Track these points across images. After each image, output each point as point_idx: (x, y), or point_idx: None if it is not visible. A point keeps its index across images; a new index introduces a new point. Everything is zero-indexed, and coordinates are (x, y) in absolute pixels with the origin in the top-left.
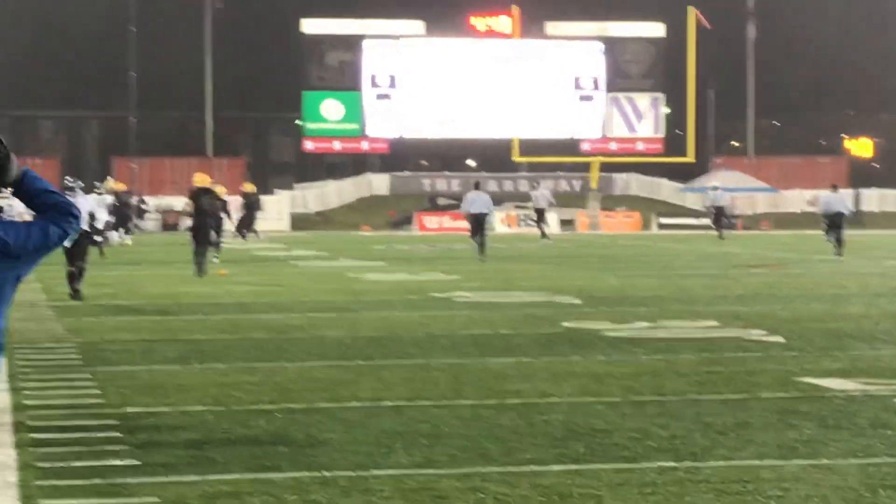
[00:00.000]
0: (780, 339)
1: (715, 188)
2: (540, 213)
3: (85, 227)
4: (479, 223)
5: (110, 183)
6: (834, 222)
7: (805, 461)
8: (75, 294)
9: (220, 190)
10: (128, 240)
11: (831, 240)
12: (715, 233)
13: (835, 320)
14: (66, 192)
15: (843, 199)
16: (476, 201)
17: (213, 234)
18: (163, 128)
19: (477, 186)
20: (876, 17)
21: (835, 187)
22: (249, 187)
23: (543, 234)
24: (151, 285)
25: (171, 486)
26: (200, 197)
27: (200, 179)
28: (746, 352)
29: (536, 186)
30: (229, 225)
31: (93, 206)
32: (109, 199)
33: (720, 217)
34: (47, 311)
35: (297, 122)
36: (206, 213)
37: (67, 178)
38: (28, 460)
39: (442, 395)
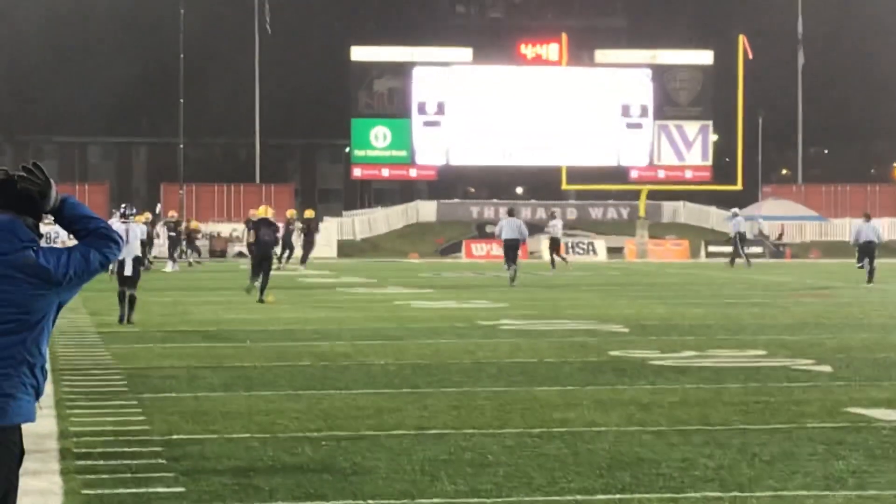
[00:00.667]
0: (827, 368)
1: (735, 214)
2: (555, 243)
3: (137, 253)
4: (511, 250)
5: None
6: (866, 251)
7: (852, 492)
8: (125, 319)
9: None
10: (175, 267)
11: (864, 268)
12: (741, 261)
13: (883, 350)
14: (123, 219)
15: (875, 228)
16: (507, 227)
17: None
18: (211, 154)
19: (511, 213)
20: None
21: (867, 216)
22: (309, 213)
23: (554, 264)
24: (198, 312)
25: None
26: (261, 228)
27: (263, 210)
28: (793, 381)
29: (555, 216)
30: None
31: (144, 232)
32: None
33: (740, 244)
34: (94, 337)
35: (345, 149)
36: (265, 244)
37: (124, 205)
38: (73, 487)
39: (487, 423)
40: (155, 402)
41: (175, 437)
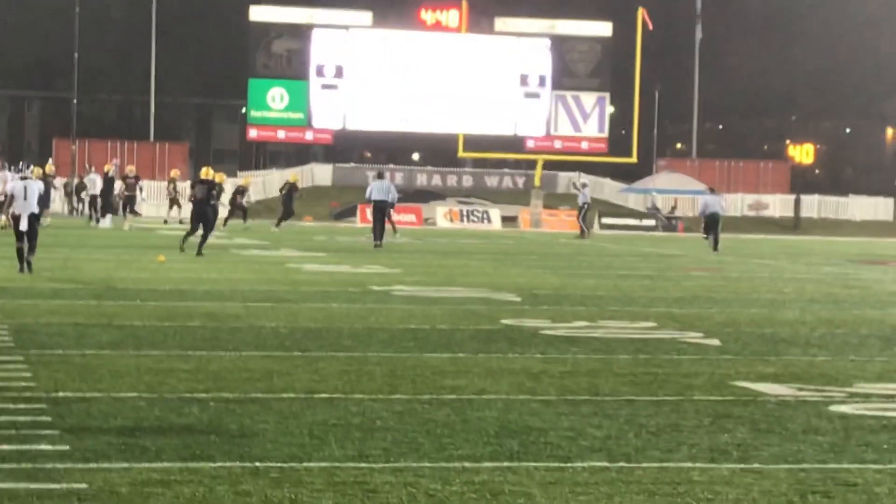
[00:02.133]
0: (716, 342)
1: (584, 185)
2: (582, 210)
3: (34, 210)
4: (379, 212)
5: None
6: (712, 222)
7: (736, 465)
8: (26, 267)
9: (220, 178)
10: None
11: (709, 239)
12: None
13: (771, 325)
14: (19, 176)
15: (719, 200)
16: (376, 189)
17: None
18: (105, 111)
19: (380, 176)
20: (822, 25)
21: (712, 189)
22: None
23: (584, 232)
24: (88, 269)
25: (100, 473)
26: (196, 186)
27: (204, 172)
28: (682, 354)
29: (586, 185)
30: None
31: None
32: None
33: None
34: None
35: (242, 109)
36: (200, 201)
37: (21, 162)
38: None
39: (377, 388)
40: (41, 358)
41: (61, 394)
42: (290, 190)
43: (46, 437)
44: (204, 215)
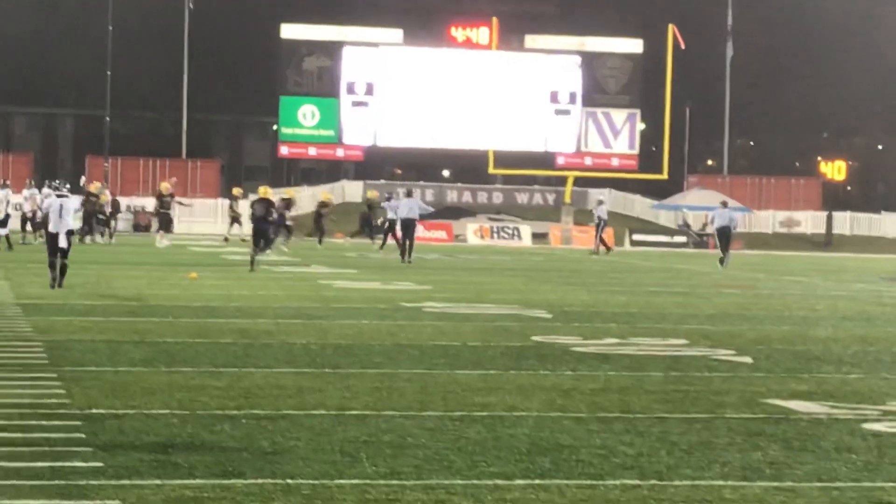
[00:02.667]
0: (747, 359)
1: (600, 202)
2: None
3: (70, 226)
4: (407, 228)
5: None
6: (722, 236)
7: (769, 483)
8: (57, 283)
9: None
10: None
11: (721, 253)
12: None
13: (803, 342)
14: (56, 193)
15: (730, 214)
16: (403, 207)
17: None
18: (138, 128)
19: (409, 194)
20: (854, 43)
21: (724, 203)
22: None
23: (598, 248)
24: (120, 286)
25: (133, 490)
26: (254, 204)
27: (262, 191)
28: (714, 371)
29: (602, 202)
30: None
31: (76, 205)
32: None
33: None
34: (15, 309)
35: (273, 126)
36: (259, 219)
37: (57, 181)
38: None
39: (408, 405)
40: (75, 375)
41: (94, 411)
42: (318, 208)
43: (80, 454)
44: (264, 233)
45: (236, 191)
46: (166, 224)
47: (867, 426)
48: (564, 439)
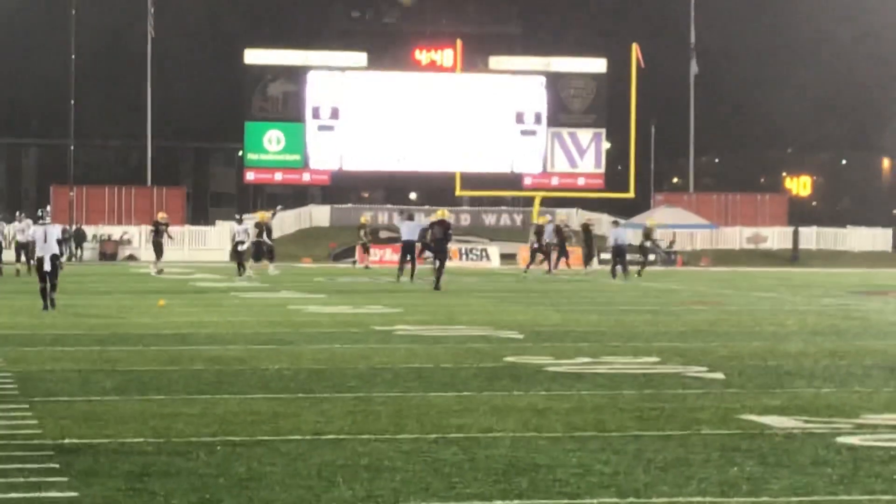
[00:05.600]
0: (720, 375)
1: (616, 223)
2: (620, 251)
3: (55, 251)
4: (407, 251)
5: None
6: (619, 253)
7: (747, 499)
8: (49, 305)
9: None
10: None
11: (618, 269)
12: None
13: (774, 357)
14: (40, 222)
15: (624, 232)
16: (405, 230)
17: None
18: (102, 157)
19: (410, 218)
20: (816, 59)
21: (616, 222)
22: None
23: (615, 274)
24: (89, 315)
25: None
26: (433, 226)
27: (441, 213)
28: (687, 388)
29: (618, 224)
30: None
31: (60, 233)
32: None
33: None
34: None
35: (238, 152)
36: (440, 240)
37: (40, 210)
38: None
39: (384, 428)
40: (47, 405)
41: (68, 441)
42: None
43: (55, 485)
44: (443, 252)
45: (363, 218)
46: (159, 251)
47: (841, 440)
48: (541, 459)
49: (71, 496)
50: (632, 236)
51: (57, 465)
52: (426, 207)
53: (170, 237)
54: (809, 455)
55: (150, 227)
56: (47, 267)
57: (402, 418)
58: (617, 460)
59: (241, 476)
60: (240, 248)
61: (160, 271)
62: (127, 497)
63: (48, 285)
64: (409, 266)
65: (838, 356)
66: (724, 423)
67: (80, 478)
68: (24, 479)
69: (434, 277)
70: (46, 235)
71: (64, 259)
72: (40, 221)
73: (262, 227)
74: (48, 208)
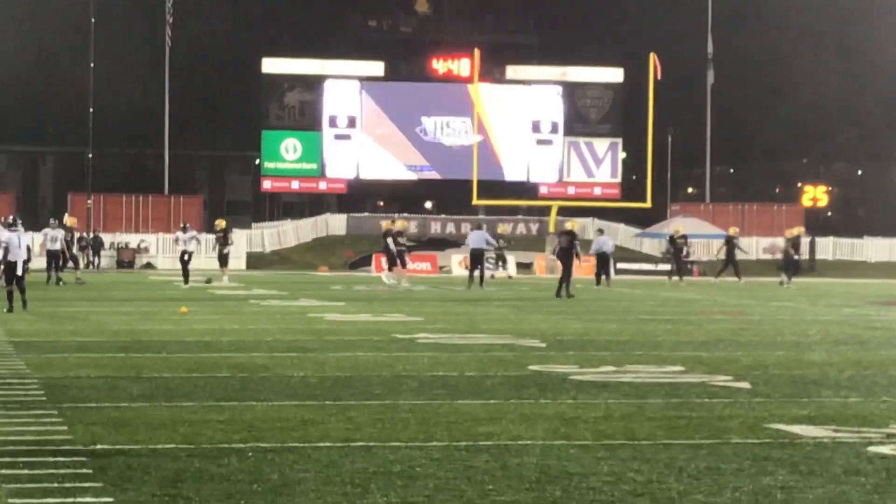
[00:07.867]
0: (746, 385)
1: (601, 232)
2: (603, 259)
3: (25, 257)
4: (475, 258)
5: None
6: (602, 260)
7: None
8: (12, 310)
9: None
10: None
11: (602, 275)
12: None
13: (798, 367)
14: (12, 229)
15: (608, 241)
16: (472, 238)
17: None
18: (119, 165)
19: (479, 227)
20: (832, 69)
21: (601, 231)
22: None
23: (598, 281)
24: (111, 322)
25: None
26: (561, 236)
27: (571, 225)
28: (714, 397)
29: (603, 232)
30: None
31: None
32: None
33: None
34: (6, 347)
35: (255, 161)
36: (565, 250)
37: (11, 216)
38: None
39: (413, 436)
40: (75, 411)
41: (99, 447)
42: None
43: (90, 490)
44: (569, 265)
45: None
46: (223, 261)
47: (873, 449)
48: (572, 467)
49: (106, 501)
50: (651, 246)
51: (90, 471)
52: (442, 216)
53: (230, 244)
54: (842, 464)
55: (211, 238)
56: (19, 272)
57: (431, 426)
58: (649, 469)
59: (274, 483)
60: (185, 256)
61: (209, 280)
62: (162, 502)
63: (15, 288)
64: (477, 274)
65: (863, 366)
66: (754, 432)
67: (114, 483)
68: (58, 485)
69: (558, 285)
70: (20, 241)
71: (81, 266)
72: (12, 229)
73: (223, 234)
74: (13, 217)
